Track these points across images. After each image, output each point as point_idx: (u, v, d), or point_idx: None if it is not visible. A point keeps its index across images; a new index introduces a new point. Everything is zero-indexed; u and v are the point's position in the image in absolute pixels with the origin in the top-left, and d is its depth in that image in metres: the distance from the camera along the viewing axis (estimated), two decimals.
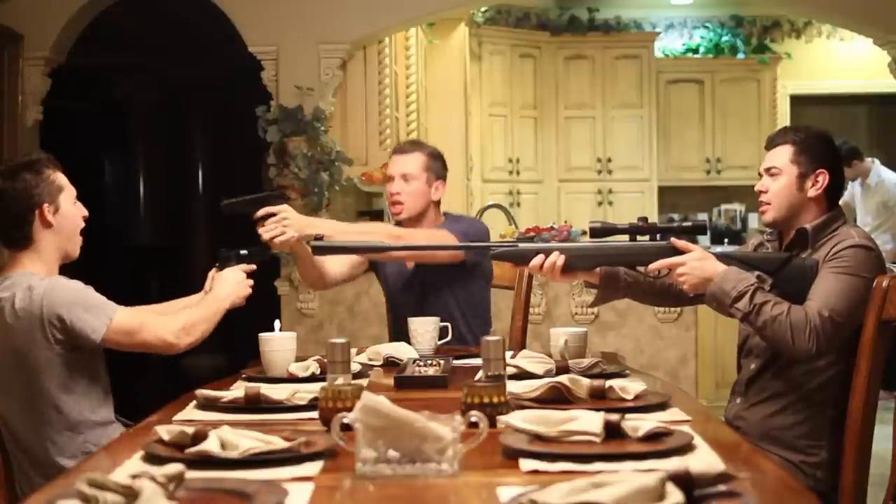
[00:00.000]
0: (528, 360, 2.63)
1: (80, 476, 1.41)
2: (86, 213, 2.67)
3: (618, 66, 8.30)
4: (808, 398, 2.58)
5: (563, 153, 8.29)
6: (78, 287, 2.54)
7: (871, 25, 5.87)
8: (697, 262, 2.56)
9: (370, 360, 2.96)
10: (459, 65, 7.32)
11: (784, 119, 8.63)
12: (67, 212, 2.60)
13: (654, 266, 2.62)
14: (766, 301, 2.46)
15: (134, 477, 1.39)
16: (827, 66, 8.70)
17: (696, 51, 8.73)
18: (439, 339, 3.14)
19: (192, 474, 1.53)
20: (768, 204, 2.68)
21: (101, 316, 2.49)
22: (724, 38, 8.71)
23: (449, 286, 3.41)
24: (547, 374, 2.52)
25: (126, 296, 2.78)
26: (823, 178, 2.63)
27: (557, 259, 2.66)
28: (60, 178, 2.61)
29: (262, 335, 2.66)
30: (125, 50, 7.72)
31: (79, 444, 2.53)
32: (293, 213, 3.18)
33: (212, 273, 2.87)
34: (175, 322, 2.60)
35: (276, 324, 2.74)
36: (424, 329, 3.11)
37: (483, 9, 7.79)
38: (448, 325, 3.18)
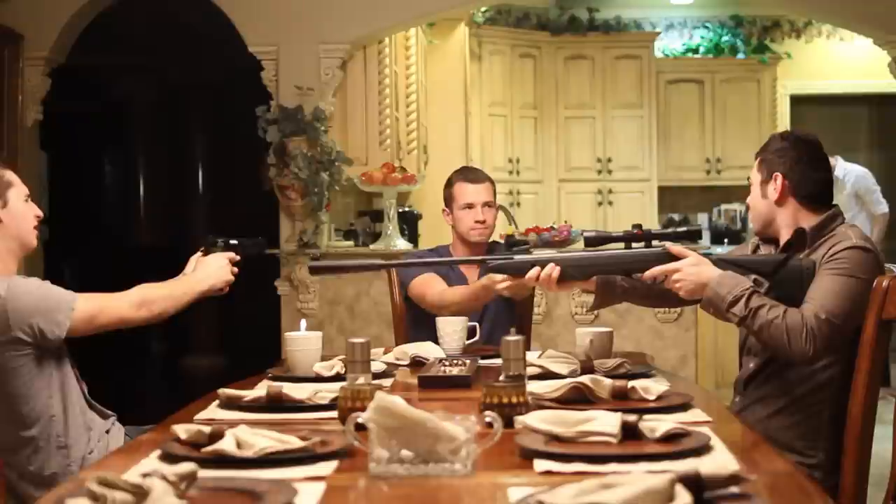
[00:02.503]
0: (552, 360, 2.61)
1: (91, 475, 1.40)
2: (40, 213, 2.64)
3: (618, 66, 8.28)
4: (804, 400, 2.57)
5: (563, 153, 8.27)
6: (37, 285, 2.51)
7: (871, 25, 5.87)
8: (693, 268, 2.55)
9: (397, 359, 2.95)
10: (459, 65, 7.31)
11: (784, 119, 8.62)
12: (15, 208, 2.56)
13: (649, 273, 2.61)
14: (762, 305, 2.45)
15: (145, 476, 1.38)
16: (827, 66, 8.70)
17: (696, 51, 8.72)
18: (467, 339, 3.12)
19: (208, 473, 1.52)
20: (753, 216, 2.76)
21: (64, 309, 2.47)
22: (724, 38, 8.70)
23: (510, 320, 3.36)
24: (571, 374, 2.51)
25: None
26: (779, 181, 2.64)
27: (553, 271, 2.66)
28: (10, 175, 2.58)
29: (288, 334, 2.66)
30: (125, 50, 7.72)
31: (56, 442, 2.49)
32: None
33: (195, 257, 2.84)
34: (129, 295, 2.57)
35: (302, 323, 2.75)
36: (452, 329, 3.09)
37: (483, 9, 7.78)
38: (476, 324, 3.17)
